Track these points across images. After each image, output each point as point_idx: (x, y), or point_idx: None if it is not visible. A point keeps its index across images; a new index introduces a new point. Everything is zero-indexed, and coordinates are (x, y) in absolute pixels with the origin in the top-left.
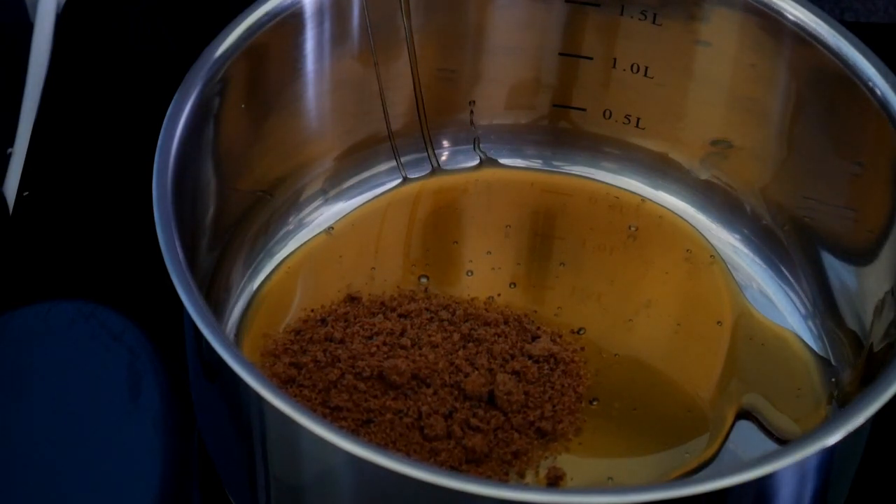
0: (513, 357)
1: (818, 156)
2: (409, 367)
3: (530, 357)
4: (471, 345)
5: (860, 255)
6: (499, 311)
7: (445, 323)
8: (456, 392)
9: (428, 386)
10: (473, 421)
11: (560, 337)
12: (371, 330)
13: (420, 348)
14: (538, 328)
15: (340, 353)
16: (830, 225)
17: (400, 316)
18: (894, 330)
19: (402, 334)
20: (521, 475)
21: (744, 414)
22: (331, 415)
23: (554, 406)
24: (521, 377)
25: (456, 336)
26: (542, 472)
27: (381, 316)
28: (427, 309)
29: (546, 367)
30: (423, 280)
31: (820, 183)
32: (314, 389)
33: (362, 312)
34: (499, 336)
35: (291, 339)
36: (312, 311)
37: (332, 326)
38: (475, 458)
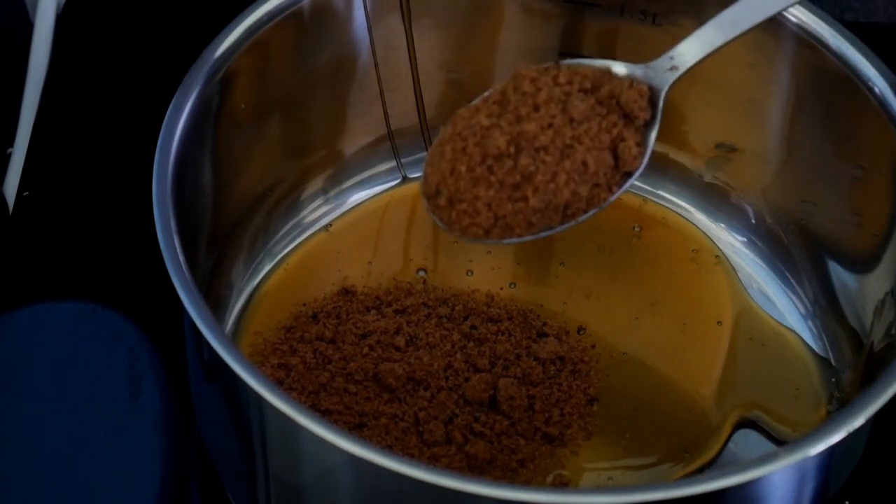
0: (518, 358)
1: (818, 158)
2: (405, 370)
3: (536, 359)
4: (471, 344)
5: (862, 257)
6: (502, 306)
7: (444, 320)
8: (455, 396)
9: (425, 389)
10: (476, 426)
11: (567, 334)
12: (364, 328)
13: (417, 349)
14: (544, 324)
15: (331, 353)
16: (832, 227)
17: (396, 312)
18: (894, 330)
19: (397, 332)
20: (527, 483)
21: (744, 414)
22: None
23: (562, 410)
24: (525, 380)
25: (455, 335)
26: (549, 479)
27: (375, 312)
28: (425, 304)
29: (553, 368)
30: (421, 273)
31: (820, 185)
32: (303, 392)
33: (356, 308)
34: (502, 334)
35: (281, 337)
36: (304, 305)
37: (324, 324)
38: (478, 465)
